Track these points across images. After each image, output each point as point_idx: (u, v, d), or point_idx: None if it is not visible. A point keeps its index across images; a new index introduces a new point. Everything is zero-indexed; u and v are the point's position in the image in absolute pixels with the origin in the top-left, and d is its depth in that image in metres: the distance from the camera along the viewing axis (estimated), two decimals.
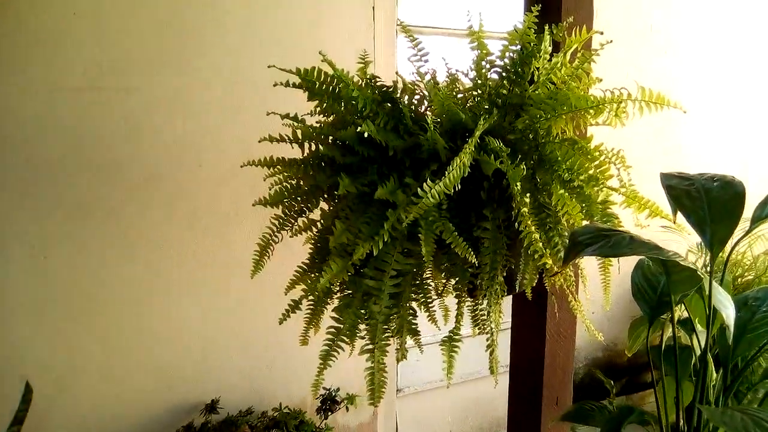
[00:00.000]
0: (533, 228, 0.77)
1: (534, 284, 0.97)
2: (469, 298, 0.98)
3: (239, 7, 1.79)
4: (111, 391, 1.79)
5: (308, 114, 1.05)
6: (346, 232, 0.87)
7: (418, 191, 0.76)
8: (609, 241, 0.65)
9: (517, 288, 0.94)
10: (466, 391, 2.48)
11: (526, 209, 0.77)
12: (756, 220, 0.72)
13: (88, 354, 1.75)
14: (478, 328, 0.97)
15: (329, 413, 1.88)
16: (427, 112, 1.01)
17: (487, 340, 0.90)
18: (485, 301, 0.96)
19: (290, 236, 1.00)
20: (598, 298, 1.04)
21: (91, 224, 1.71)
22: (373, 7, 1.95)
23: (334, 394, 1.91)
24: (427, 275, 1.01)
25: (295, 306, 0.96)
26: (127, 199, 1.74)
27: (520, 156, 0.86)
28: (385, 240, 0.83)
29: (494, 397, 2.49)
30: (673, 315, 0.77)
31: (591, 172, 0.89)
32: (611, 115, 0.86)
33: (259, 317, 1.87)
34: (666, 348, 0.82)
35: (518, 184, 0.78)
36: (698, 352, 0.84)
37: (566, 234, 0.92)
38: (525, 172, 0.79)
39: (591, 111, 0.84)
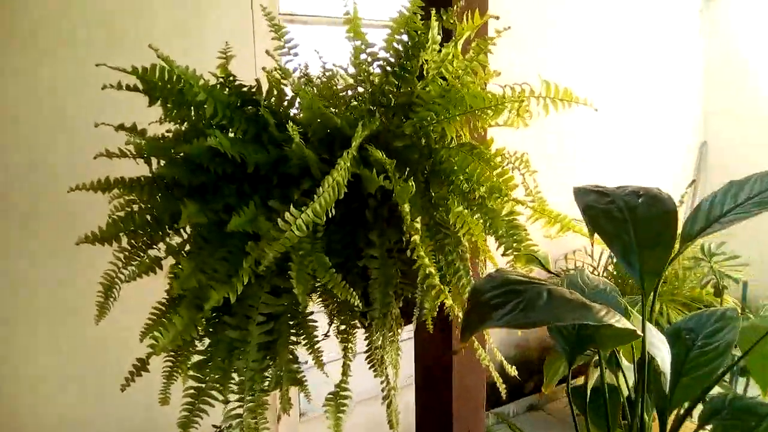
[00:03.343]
0: (428, 260, 0.63)
1: (435, 314, 0.83)
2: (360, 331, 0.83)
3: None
4: None
5: (156, 122, 0.86)
6: (196, 272, 0.68)
7: (279, 223, 0.59)
8: (521, 300, 0.51)
9: (415, 321, 0.80)
10: (373, 408, 2.34)
11: (417, 237, 0.62)
12: (686, 240, 0.61)
13: None
14: (374, 371, 0.82)
15: None
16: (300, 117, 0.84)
17: (383, 390, 0.75)
18: (378, 338, 0.81)
19: (126, 280, 0.80)
20: None
21: None
22: None
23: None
24: (310, 310, 0.85)
25: (141, 367, 0.76)
26: None
27: (408, 168, 0.72)
28: (246, 282, 0.66)
29: (401, 410, 2.37)
30: (602, 372, 0.65)
31: (493, 181, 0.76)
32: (512, 115, 0.73)
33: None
34: (592, 391, 0.71)
35: (407, 205, 0.63)
36: (626, 393, 0.74)
37: (472, 258, 0.78)
38: (414, 190, 0.64)
39: (489, 111, 0.71)
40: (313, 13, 1.90)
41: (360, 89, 0.86)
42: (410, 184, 0.64)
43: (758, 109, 2.74)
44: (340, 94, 0.88)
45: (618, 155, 2.74)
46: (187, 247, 0.78)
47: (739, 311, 1.73)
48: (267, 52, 0.82)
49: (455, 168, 0.74)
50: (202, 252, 0.70)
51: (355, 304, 0.65)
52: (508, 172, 0.76)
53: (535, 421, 2.36)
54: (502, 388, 0.77)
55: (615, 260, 2.22)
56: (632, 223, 0.56)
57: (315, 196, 0.60)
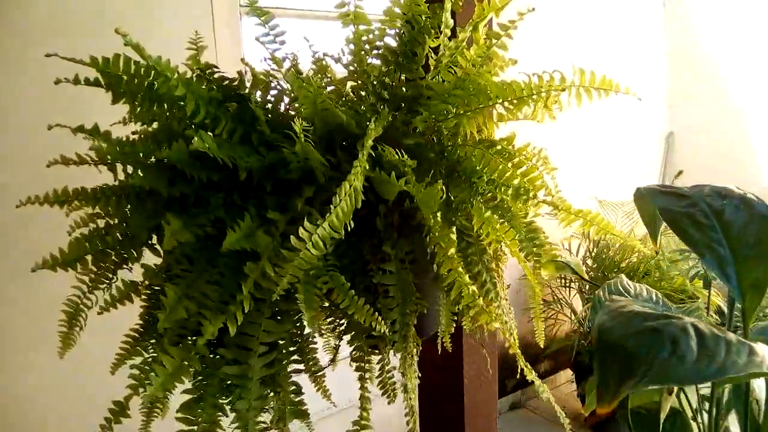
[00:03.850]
0: (467, 278, 0.54)
1: (453, 330, 0.74)
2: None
3: None
4: None
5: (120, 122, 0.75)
6: (184, 300, 0.57)
7: (292, 240, 0.49)
8: (666, 343, 0.40)
9: (439, 338, 0.71)
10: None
11: (453, 249, 0.53)
12: None
13: None
14: (387, 398, 0.73)
15: None
16: (291, 113, 0.74)
17: (408, 422, 0.65)
18: (388, 360, 0.72)
19: (99, 311, 0.68)
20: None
21: None
22: None
23: None
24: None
25: (119, 412, 0.64)
26: None
27: (432, 171, 0.63)
28: (246, 309, 0.55)
29: (389, 414, 2.28)
30: (712, 413, 0.57)
31: (517, 182, 0.68)
32: (538, 107, 0.65)
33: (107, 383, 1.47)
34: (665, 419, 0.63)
35: (438, 213, 0.54)
36: (689, 415, 0.67)
37: (495, 267, 0.70)
38: (443, 195, 0.55)
39: (515, 102, 0.62)
40: (278, 5, 1.78)
41: (354, 82, 0.76)
42: (438, 188, 0.55)
43: (722, 98, 2.77)
44: (329, 87, 0.78)
45: (584, 147, 2.71)
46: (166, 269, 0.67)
47: None
48: (257, 38, 0.71)
49: (477, 168, 0.66)
50: (188, 275, 0.59)
51: (383, 331, 0.55)
52: (534, 170, 0.68)
53: (519, 419, 2.32)
54: (529, 373, 0.68)
55: (594, 254, 2.19)
56: (721, 229, 0.48)
57: (332, 205, 0.50)
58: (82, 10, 1.42)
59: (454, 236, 0.53)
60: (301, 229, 0.49)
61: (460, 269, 0.53)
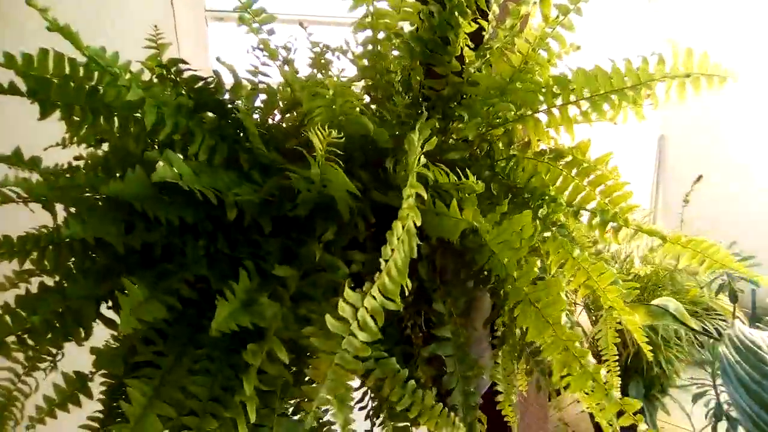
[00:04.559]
0: (591, 364, 0.36)
1: (514, 399, 0.57)
2: None
3: None
4: None
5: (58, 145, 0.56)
6: (156, 404, 0.38)
7: (328, 322, 0.31)
8: None
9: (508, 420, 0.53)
10: None
11: (562, 319, 0.36)
12: None
13: None
14: None
15: None
16: (284, 125, 0.56)
17: None
18: None
19: (29, 426, 0.48)
20: None
21: None
22: None
23: None
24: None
25: None
26: None
27: (490, 195, 0.45)
28: (252, 418, 0.37)
29: None
30: None
31: (595, 204, 0.51)
32: (624, 105, 0.48)
33: None
34: None
35: (536, 266, 0.36)
36: None
37: (576, 320, 0.53)
38: (537, 231, 0.38)
39: (608, 96, 0.46)
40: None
41: (368, 81, 0.59)
42: (527, 220, 0.37)
43: (711, 100, 2.67)
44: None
45: None
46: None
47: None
48: (240, 19, 0.53)
49: (548, 188, 0.49)
50: (162, 361, 0.40)
51: None
52: (618, 188, 0.51)
53: None
54: None
55: None
56: None
57: (382, 261, 0.32)
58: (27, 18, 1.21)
59: (562, 293, 0.36)
60: (341, 304, 0.30)
61: (577, 346, 0.35)
